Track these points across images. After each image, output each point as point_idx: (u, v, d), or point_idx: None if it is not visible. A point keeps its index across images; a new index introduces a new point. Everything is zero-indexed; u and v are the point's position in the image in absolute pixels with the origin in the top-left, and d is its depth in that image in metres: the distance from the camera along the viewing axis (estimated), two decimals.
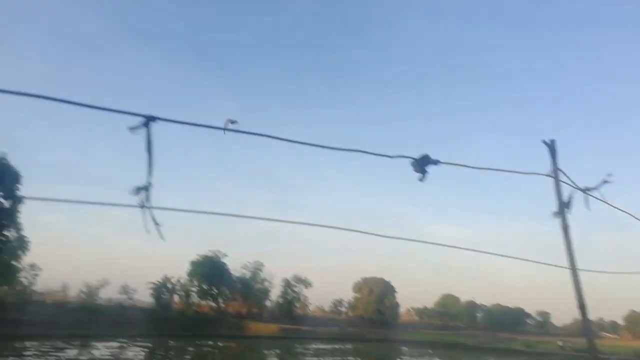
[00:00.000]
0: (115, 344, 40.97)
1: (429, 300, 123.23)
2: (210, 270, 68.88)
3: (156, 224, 2.41)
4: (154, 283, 67.10)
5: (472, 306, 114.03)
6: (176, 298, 69.76)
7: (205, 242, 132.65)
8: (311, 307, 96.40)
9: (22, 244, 46.64)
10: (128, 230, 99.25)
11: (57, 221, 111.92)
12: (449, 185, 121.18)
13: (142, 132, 2.41)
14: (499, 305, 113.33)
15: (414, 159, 3.12)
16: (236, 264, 73.69)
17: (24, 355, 32.45)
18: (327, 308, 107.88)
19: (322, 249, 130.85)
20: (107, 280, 63.27)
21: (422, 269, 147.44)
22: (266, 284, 76.80)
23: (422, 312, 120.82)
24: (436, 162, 3.13)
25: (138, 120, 2.42)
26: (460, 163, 3.57)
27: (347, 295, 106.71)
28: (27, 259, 49.06)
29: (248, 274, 75.44)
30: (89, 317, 48.67)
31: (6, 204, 44.34)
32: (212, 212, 4.00)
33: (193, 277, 69.42)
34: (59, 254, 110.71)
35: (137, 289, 67.94)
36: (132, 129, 2.39)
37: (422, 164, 3.10)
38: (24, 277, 51.76)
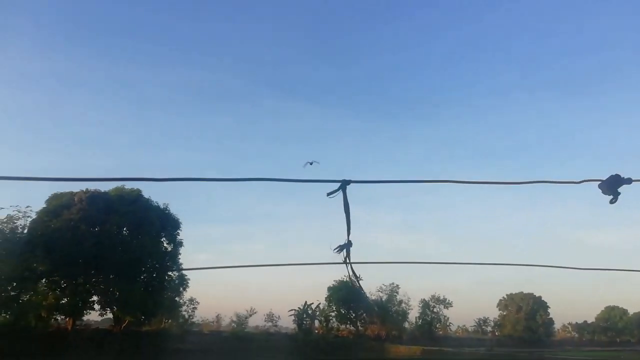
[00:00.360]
0: None
1: (589, 315, 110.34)
2: (347, 295, 70.53)
3: (356, 277, 2.76)
4: (295, 310, 70.84)
5: None
6: (317, 323, 72.57)
7: (342, 267, 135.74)
8: (453, 328, 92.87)
9: (182, 281, 52.53)
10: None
11: (207, 260, 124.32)
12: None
13: (339, 195, 2.60)
14: None
15: (602, 180, 2.96)
16: (372, 287, 74.42)
17: None
18: (470, 328, 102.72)
19: (461, 268, 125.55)
20: (254, 309, 68.30)
21: (579, 281, 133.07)
22: (403, 305, 76.06)
23: (581, 327, 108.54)
24: (629, 181, 2.92)
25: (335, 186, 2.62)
26: None
27: (492, 313, 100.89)
28: (186, 295, 55.33)
29: (384, 297, 75.56)
30: (239, 344, 53.10)
31: (169, 247, 51.21)
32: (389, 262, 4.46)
33: (331, 302, 71.65)
34: (211, 288, 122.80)
35: (280, 316, 72.24)
36: (330, 194, 2.59)
37: (612, 185, 2.91)
38: (184, 311, 58.14)
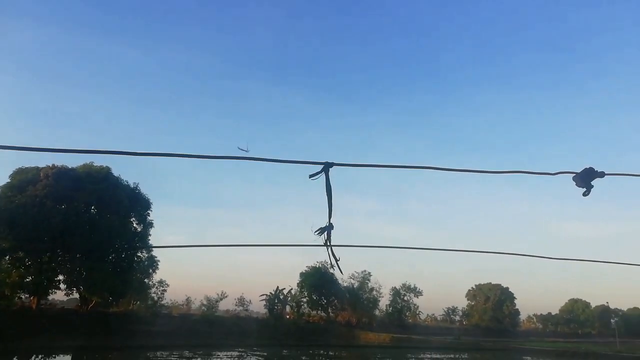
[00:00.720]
0: (235, 353, 43.94)
1: (554, 307, 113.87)
2: (319, 281, 70.76)
3: (336, 259, 2.70)
4: (266, 295, 70.72)
5: (605, 311, 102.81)
6: (288, 308, 72.71)
7: (313, 252, 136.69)
8: (422, 316, 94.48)
9: (152, 263, 51.75)
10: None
11: (178, 241, 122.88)
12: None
13: (322, 178, 2.62)
14: (637, 309, 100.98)
15: (576, 173, 3.02)
16: (344, 274, 74.79)
17: None
18: (439, 317, 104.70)
19: (431, 257, 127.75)
20: (225, 293, 67.84)
21: (545, 273, 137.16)
22: (374, 293, 76.78)
23: (546, 319, 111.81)
24: (602, 175, 2.98)
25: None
26: (630, 173, 3.43)
27: (461, 303, 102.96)
28: (156, 276, 54.47)
29: (356, 284, 76.11)
30: (209, 328, 52.71)
31: (139, 228, 50.13)
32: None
33: (303, 288, 71.83)
34: (182, 270, 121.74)
35: (251, 300, 72.04)
36: (312, 176, 2.61)
37: (586, 177, 2.97)
38: (153, 293, 57.29)
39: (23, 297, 45.71)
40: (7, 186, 42.52)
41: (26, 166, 44.52)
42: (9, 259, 42.75)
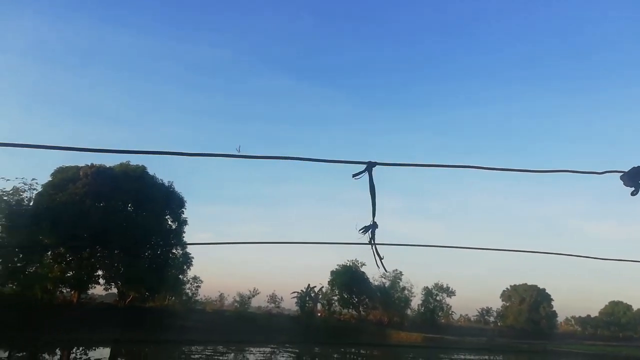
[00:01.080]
0: (267, 349, 44.39)
1: (593, 309, 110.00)
2: (350, 280, 70.71)
3: (380, 258, 2.72)
4: (298, 292, 71.10)
5: None
6: (319, 306, 72.89)
7: (345, 251, 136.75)
8: (455, 317, 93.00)
9: (186, 259, 52.86)
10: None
11: (208, 238, 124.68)
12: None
13: (365, 177, 2.61)
14: None
15: (624, 172, 2.84)
16: (375, 273, 74.51)
17: (193, 359, 37.02)
18: (472, 317, 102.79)
19: (465, 257, 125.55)
20: (257, 290, 68.57)
21: (584, 274, 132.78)
22: (406, 292, 76.12)
23: (584, 321, 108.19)
24: None
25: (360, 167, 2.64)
26: None
27: (495, 304, 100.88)
28: (190, 273, 55.55)
29: (387, 283, 75.66)
30: (242, 324, 53.41)
31: (173, 225, 51.32)
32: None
33: (334, 286, 71.90)
34: (214, 267, 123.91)
35: (283, 297, 72.59)
36: (355, 175, 2.61)
37: (634, 176, 2.80)
38: (188, 289, 58.42)
39: (64, 291, 47.55)
40: (49, 184, 44.30)
41: (66, 165, 46.28)
42: (51, 254, 44.56)
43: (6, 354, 29.53)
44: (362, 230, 2.67)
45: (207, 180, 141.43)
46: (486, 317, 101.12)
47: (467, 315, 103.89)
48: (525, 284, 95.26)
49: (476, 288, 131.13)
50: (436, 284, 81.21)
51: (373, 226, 2.67)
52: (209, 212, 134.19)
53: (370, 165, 2.64)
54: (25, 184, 42.40)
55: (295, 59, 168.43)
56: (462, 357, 53.64)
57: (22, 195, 42.24)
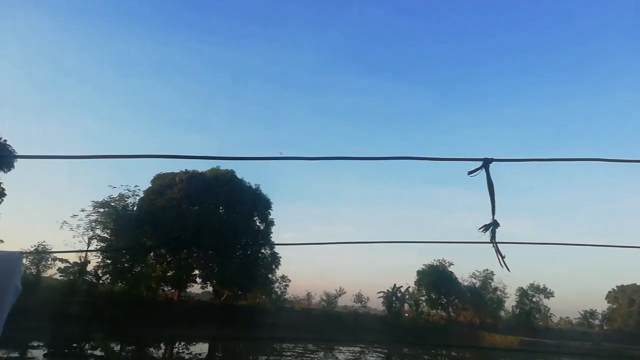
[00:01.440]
0: (356, 349, 44.43)
1: None
2: (437, 280, 68.82)
3: (502, 256, 2.66)
4: (384, 292, 70.50)
5: None
6: (406, 307, 71.67)
7: (430, 251, 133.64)
8: (554, 319, 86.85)
9: (275, 259, 54.52)
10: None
11: (295, 238, 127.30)
12: None
13: (482, 174, 2.57)
14: None
15: None
16: (464, 273, 71.86)
17: (285, 356, 38.04)
18: (574, 320, 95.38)
19: (565, 255, 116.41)
20: (343, 289, 68.98)
21: None
22: (499, 293, 72.51)
23: None
24: None
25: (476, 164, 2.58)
26: None
27: (600, 305, 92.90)
28: (278, 272, 57.23)
29: (478, 283, 72.58)
30: (329, 323, 54.04)
31: (261, 226, 53.24)
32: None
33: (421, 286, 70.37)
34: (302, 267, 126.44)
35: (369, 297, 72.30)
36: (471, 172, 2.58)
37: None
38: (277, 288, 60.23)
39: (166, 289, 51.13)
40: (150, 190, 47.91)
41: (164, 172, 49.78)
42: (153, 255, 48.12)
43: (118, 347, 32.23)
44: (482, 229, 2.62)
45: (294, 181, 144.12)
46: (590, 320, 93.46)
47: (567, 317, 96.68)
48: (635, 284, 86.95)
49: (577, 288, 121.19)
50: (532, 284, 76.47)
51: (494, 224, 2.62)
52: (294, 213, 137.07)
53: (486, 162, 2.57)
54: (129, 191, 46.19)
55: (391, 60, 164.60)
56: None
57: (126, 201, 46.03)
